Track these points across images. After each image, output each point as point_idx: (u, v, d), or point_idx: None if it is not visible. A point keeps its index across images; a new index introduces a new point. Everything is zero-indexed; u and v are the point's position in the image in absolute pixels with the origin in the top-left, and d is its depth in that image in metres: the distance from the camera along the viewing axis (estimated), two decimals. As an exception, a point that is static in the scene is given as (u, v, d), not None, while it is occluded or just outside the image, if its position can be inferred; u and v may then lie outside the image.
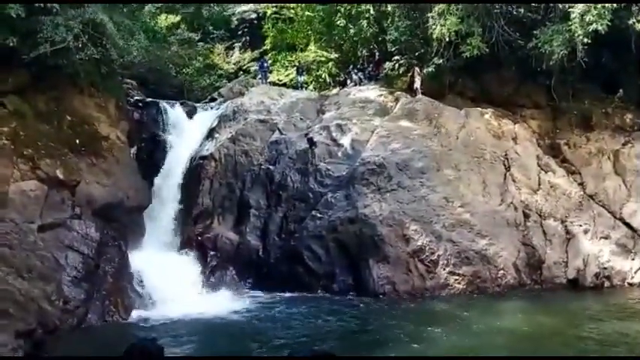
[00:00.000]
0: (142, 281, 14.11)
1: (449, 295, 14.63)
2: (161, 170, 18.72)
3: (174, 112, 20.32)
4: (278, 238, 16.46)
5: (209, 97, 24.41)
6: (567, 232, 16.42)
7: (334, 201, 16.17)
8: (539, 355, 10.09)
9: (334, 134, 18.00)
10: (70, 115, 14.71)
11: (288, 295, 14.99)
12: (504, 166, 17.40)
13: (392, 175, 16.28)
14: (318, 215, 16.07)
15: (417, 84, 20.04)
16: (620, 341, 10.89)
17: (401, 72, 21.67)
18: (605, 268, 15.90)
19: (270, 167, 17.77)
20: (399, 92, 20.41)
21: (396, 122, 18.13)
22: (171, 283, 14.31)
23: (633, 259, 16.12)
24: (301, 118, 19.48)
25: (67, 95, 14.87)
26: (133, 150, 18.20)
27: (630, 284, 15.83)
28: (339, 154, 17.45)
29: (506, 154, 17.60)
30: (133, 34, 15.42)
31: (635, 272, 15.96)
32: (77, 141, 14.36)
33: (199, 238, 16.88)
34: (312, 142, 17.66)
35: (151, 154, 19.21)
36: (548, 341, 11.04)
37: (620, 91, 19.11)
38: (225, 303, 14.06)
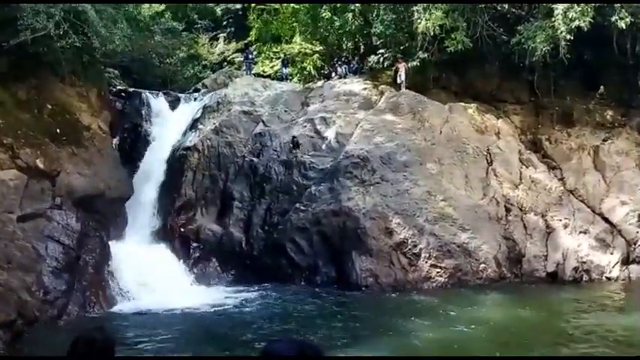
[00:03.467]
0: (123, 273, 14.01)
1: (431, 288, 14.75)
2: (143, 161, 18.58)
3: (158, 102, 20.17)
4: (261, 230, 16.44)
5: (193, 88, 24.24)
6: (547, 226, 16.62)
7: (318, 194, 16.18)
8: (521, 345, 10.23)
9: (318, 127, 18.01)
10: (50, 104, 14.50)
11: (271, 287, 14.99)
12: (487, 160, 17.55)
13: (375, 168, 16.34)
14: (302, 208, 16.07)
15: (402, 78, 20.07)
16: (596, 333, 11.06)
17: (386, 65, 21.70)
18: (584, 262, 16.13)
19: (254, 159, 17.72)
20: (383, 86, 20.44)
21: (380, 116, 18.18)
22: (154, 274, 14.25)
23: (612, 254, 16.34)
24: (285, 111, 19.43)
25: (47, 84, 14.65)
26: (115, 140, 18.07)
27: (608, 278, 16.07)
28: (324, 147, 17.47)
29: (488, 149, 17.76)
30: (116, 23, 15.21)
31: (614, 266, 16.20)
32: (58, 130, 14.16)
33: (182, 229, 16.80)
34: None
35: (133, 145, 19.08)
36: (528, 333, 11.21)
37: (601, 87, 19.32)
38: (208, 295, 14.05)
